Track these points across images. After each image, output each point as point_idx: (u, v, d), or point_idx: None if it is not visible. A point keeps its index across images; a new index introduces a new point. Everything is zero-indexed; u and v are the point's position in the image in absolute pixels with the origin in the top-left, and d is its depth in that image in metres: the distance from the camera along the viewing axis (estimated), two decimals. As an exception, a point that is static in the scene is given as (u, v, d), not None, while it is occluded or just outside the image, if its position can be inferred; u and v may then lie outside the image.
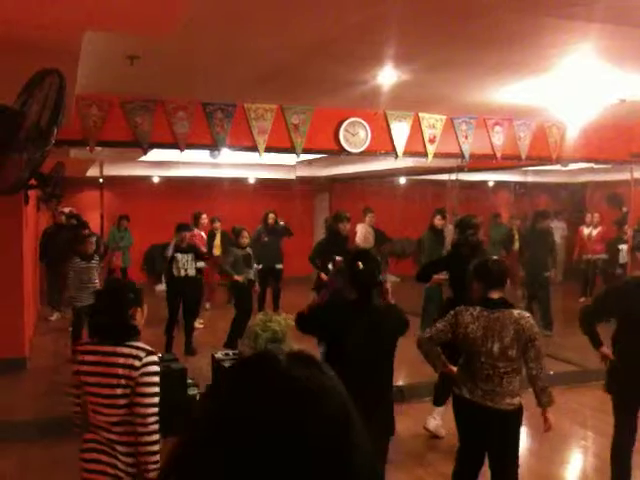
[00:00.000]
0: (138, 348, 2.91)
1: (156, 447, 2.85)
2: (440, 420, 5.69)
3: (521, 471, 3.91)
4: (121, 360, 2.86)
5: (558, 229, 11.92)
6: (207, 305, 11.24)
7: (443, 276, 6.26)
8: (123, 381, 2.84)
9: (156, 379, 2.88)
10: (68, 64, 3.73)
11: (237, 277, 8.40)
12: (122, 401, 2.86)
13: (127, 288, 3.13)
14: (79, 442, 3.07)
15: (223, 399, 0.96)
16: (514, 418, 3.77)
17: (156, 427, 2.86)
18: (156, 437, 2.85)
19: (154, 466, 2.84)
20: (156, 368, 2.90)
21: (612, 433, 4.37)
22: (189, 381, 5.97)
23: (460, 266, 5.58)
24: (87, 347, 3.02)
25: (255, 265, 9.68)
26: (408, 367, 7.29)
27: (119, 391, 2.85)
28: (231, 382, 0.98)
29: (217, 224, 11.33)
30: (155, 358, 2.92)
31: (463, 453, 4.05)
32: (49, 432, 5.64)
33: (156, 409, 2.86)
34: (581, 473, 5.45)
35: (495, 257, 4.22)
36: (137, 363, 2.84)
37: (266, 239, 10.31)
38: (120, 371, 2.85)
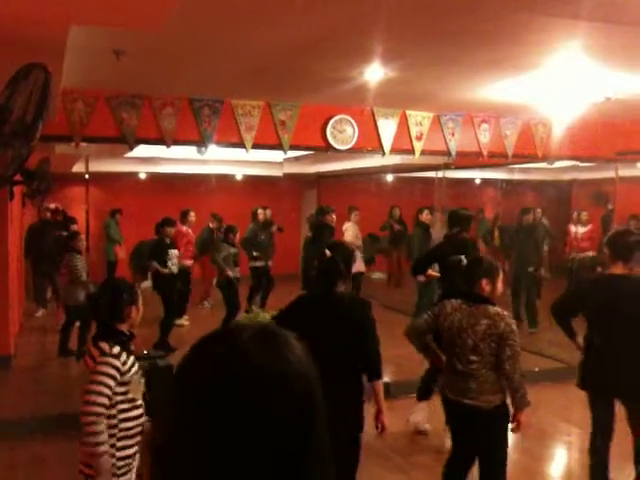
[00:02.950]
0: (99, 348, 3.01)
1: (91, 439, 2.86)
2: (424, 414, 5.70)
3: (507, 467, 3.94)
4: (87, 359, 3.07)
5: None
6: (206, 303, 11.15)
7: (437, 273, 6.26)
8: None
9: (100, 378, 2.92)
10: (53, 59, 3.70)
11: (229, 272, 8.41)
12: None
13: (117, 288, 3.17)
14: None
15: (181, 378, 0.96)
16: (495, 416, 3.76)
17: (93, 428, 2.85)
18: (93, 439, 2.85)
19: (91, 458, 2.90)
20: (105, 368, 2.93)
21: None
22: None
23: (448, 261, 5.61)
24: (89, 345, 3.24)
25: (257, 263, 9.76)
26: (395, 364, 7.32)
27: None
28: (189, 360, 0.97)
29: (215, 224, 11.23)
30: (110, 360, 2.96)
31: (452, 450, 4.09)
32: (35, 430, 5.61)
33: (95, 408, 2.87)
34: (566, 468, 5.50)
35: (484, 255, 4.24)
36: (91, 363, 3.00)
37: (262, 237, 10.33)
38: (86, 369, 3.06)
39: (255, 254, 10.17)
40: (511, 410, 3.79)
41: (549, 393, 6.62)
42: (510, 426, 3.82)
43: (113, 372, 2.94)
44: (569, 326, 4.42)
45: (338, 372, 3.43)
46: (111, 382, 2.93)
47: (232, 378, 0.90)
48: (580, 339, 4.40)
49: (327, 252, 3.66)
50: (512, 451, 4.00)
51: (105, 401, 2.91)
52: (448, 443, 5.29)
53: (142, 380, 3.16)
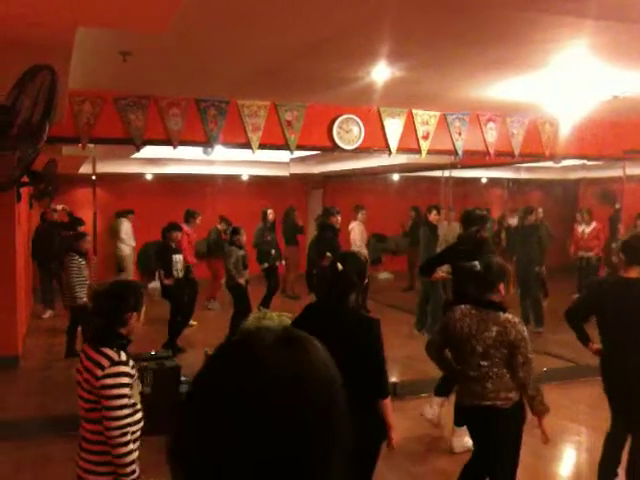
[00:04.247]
0: (106, 356, 2.90)
1: (127, 459, 2.84)
2: (437, 409, 5.66)
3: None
4: (89, 365, 2.92)
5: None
6: (215, 303, 11.15)
7: (446, 274, 6.23)
8: (86, 385, 2.91)
9: (119, 391, 2.85)
10: (60, 60, 3.71)
11: (240, 280, 8.45)
12: (87, 405, 2.93)
13: (125, 292, 3.09)
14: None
15: (203, 381, 0.95)
16: (513, 415, 3.72)
17: (123, 439, 2.83)
18: (124, 449, 2.83)
19: (127, 478, 2.86)
20: (119, 379, 2.86)
21: (607, 427, 4.47)
22: (183, 379, 5.95)
23: (462, 262, 5.58)
24: (84, 346, 3.09)
25: (265, 264, 9.81)
26: (402, 364, 7.32)
27: (85, 394, 2.93)
28: (212, 363, 0.96)
29: (222, 226, 11.24)
30: (122, 368, 2.89)
31: (473, 454, 4.07)
32: (42, 430, 5.63)
33: (121, 421, 2.83)
34: (575, 469, 5.47)
35: (495, 258, 4.21)
36: (99, 372, 2.87)
37: (269, 237, 10.35)
38: (86, 375, 2.92)
39: (273, 251, 10.21)
40: (529, 412, 3.77)
41: (557, 393, 6.60)
42: (542, 438, 3.78)
43: (128, 380, 2.89)
44: (583, 331, 4.43)
45: (351, 387, 3.33)
46: (128, 391, 2.88)
47: (255, 384, 0.88)
48: (595, 345, 4.39)
49: (339, 265, 3.57)
50: (520, 452, 4.00)
51: (129, 412, 2.87)
52: (459, 446, 5.30)
53: (139, 383, 3.11)
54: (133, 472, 2.87)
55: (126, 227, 12.17)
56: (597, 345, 4.38)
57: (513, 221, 10.92)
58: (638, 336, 4.12)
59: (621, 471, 4.39)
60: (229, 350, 0.97)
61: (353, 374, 3.31)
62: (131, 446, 2.85)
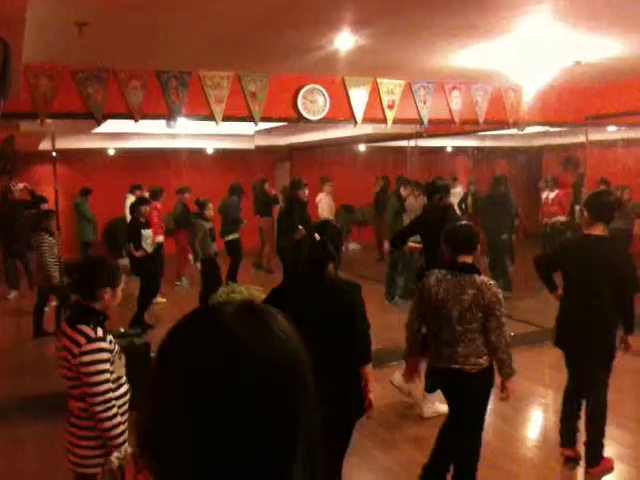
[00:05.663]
0: (82, 333, 2.91)
1: (114, 431, 2.91)
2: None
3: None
4: (67, 343, 2.95)
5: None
6: (184, 279, 11.07)
7: (418, 245, 6.26)
8: (66, 364, 2.95)
9: (98, 367, 2.88)
10: (13, 32, 3.57)
11: (211, 251, 8.45)
12: (69, 382, 2.98)
13: (95, 267, 3.09)
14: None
15: (162, 360, 0.93)
16: (482, 379, 3.79)
17: (108, 413, 2.88)
18: (110, 423, 2.89)
19: (117, 449, 2.93)
20: (98, 356, 2.89)
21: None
22: (153, 355, 5.91)
23: (430, 231, 5.63)
24: (62, 324, 3.12)
25: (234, 236, 9.74)
26: (373, 334, 7.37)
27: (66, 372, 2.98)
28: (175, 333, 0.94)
29: (188, 196, 11.08)
30: (99, 344, 2.91)
31: (448, 415, 4.14)
32: (12, 412, 5.56)
33: (104, 396, 2.88)
34: (542, 430, 5.61)
35: (465, 222, 4.23)
36: (75, 350, 2.90)
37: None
38: (62, 353, 2.96)
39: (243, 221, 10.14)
40: (497, 376, 3.84)
41: (524, 356, 6.73)
42: (500, 395, 3.87)
43: (107, 355, 2.91)
44: (550, 279, 4.57)
45: (334, 359, 3.27)
46: (109, 366, 2.91)
47: (216, 355, 0.87)
48: (560, 291, 4.50)
49: (316, 235, 3.55)
50: (488, 414, 4.07)
51: (110, 386, 2.90)
52: (429, 411, 5.39)
53: (122, 357, 3.13)
54: (123, 443, 2.94)
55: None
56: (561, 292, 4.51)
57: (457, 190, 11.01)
58: (594, 295, 4.22)
59: (582, 425, 4.53)
60: (191, 320, 0.95)
61: (338, 342, 3.35)
62: (118, 418, 2.91)
